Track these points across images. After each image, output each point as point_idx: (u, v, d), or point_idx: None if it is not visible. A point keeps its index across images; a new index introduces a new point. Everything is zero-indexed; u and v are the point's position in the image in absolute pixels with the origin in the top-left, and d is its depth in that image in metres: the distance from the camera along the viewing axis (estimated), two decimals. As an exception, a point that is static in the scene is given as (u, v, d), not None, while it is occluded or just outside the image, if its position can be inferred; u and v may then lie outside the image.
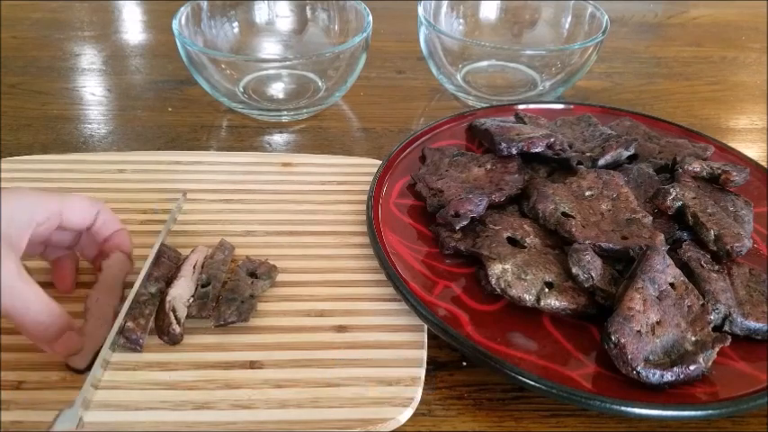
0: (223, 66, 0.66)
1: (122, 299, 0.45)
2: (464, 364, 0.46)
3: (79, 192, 0.54)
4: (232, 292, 0.46)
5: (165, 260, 0.48)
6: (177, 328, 0.44)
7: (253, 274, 0.48)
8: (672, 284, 0.45)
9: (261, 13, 0.78)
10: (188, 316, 0.45)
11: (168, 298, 0.45)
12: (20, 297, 0.38)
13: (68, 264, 0.47)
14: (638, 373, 0.41)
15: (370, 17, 0.69)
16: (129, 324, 0.43)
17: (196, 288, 0.47)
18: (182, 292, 0.46)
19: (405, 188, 0.56)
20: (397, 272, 0.47)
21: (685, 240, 0.51)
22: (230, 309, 0.45)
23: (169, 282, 0.46)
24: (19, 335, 0.43)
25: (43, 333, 0.39)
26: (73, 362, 0.42)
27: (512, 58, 0.76)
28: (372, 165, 0.60)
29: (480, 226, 0.51)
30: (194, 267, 0.48)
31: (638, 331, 0.42)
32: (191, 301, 0.46)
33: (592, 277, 0.45)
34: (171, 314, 0.44)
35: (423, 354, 0.44)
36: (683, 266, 0.48)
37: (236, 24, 0.76)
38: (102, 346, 0.41)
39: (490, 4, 0.82)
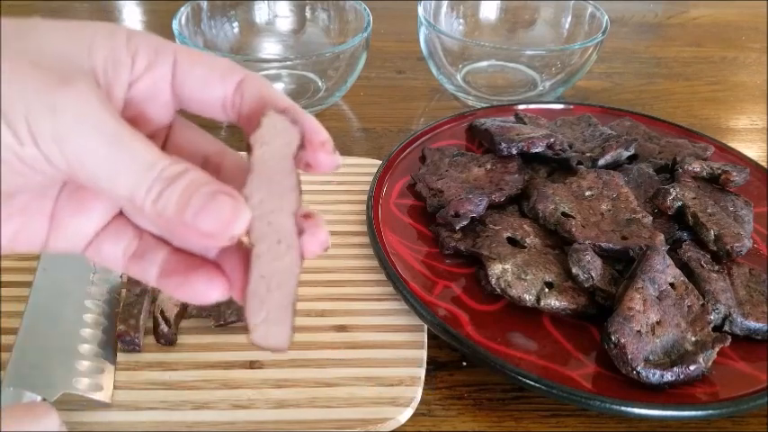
0: (223, 66, 0.66)
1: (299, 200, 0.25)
2: (464, 364, 0.46)
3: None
4: None
5: None
6: (166, 328, 0.44)
7: None
8: (672, 284, 0.45)
9: (261, 13, 0.78)
10: (189, 316, 0.45)
11: (156, 303, 0.45)
12: (107, 136, 0.22)
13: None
14: (638, 373, 0.41)
15: (370, 17, 0.69)
16: (121, 327, 0.43)
17: None
18: (167, 297, 0.46)
19: (405, 188, 0.56)
20: (397, 272, 0.47)
21: (685, 240, 0.51)
22: (230, 309, 0.45)
23: None
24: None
25: (146, 189, 0.22)
26: (265, 338, 0.25)
27: (512, 58, 0.76)
28: (372, 165, 0.60)
29: (480, 226, 0.51)
30: None
31: (638, 331, 0.42)
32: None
33: (592, 277, 0.45)
34: (159, 316, 0.44)
35: (423, 354, 0.44)
36: (683, 266, 0.48)
37: (236, 24, 0.76)
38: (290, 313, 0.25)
39: (490, 4, 0.82)
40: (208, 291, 0.25)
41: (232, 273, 0.26)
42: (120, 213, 0.27)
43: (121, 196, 0.23)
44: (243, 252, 0.25)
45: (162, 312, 0.44)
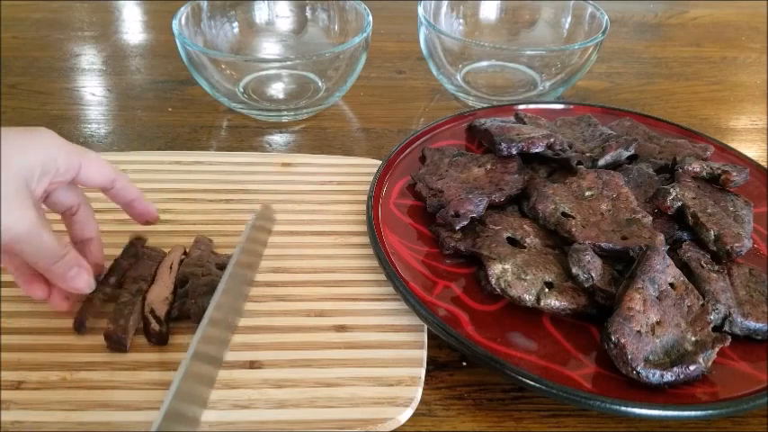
0: (223, 66, 0.66)
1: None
2: (464, 364, 0.46)
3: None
4: (208, 287, 0.46)
5: (146, 260, 0.48)
6: (158, 327, 0.44)
7: (222, 267, 0.48)
8: (672, 284, 0.45)
9: (261, 13, 0.78)
10: (172, 318, 0.45)
11: (146, 302, 0.45)
12: (36, 242, 0.39)
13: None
14: (638, 373, 0.41)
15: (370, 17, 0.69)
16: (110, 327, 0.43)
17: (175, 288, 0.47)
18: (156, 296, 0.46)
19: (405, 188, 0.56)
20: (397, 272, 0.47)
21: (685, 240, 0.51)
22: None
23: (152, 281, 0.47)
24: (19, 335, 0.44)
25: (50, 263, 0.41)
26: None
27: (512, 59, 0.76)
28: (372, 165, 0.60)
29: (480, 226, 0.51)
30: (170, 268, 0.48)
31: (638, 331, 0.42)
32: (169, 298, 0.46)
33: (592, 277, 0.45)
34: (150, 315, 0.44)
35: (423, 354, 0.44)
36: (683, 266, 0.48)
37: (236, 24, 0.76)
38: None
39: (490, 4, 0.82)
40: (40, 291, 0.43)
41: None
42: None
43: (36, 260, 0.41)
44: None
45: (152, 311, 0.44)
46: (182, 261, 0.49)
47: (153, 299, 0.45)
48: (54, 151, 0.40)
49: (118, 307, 0.45)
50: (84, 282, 0.42)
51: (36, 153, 0.39)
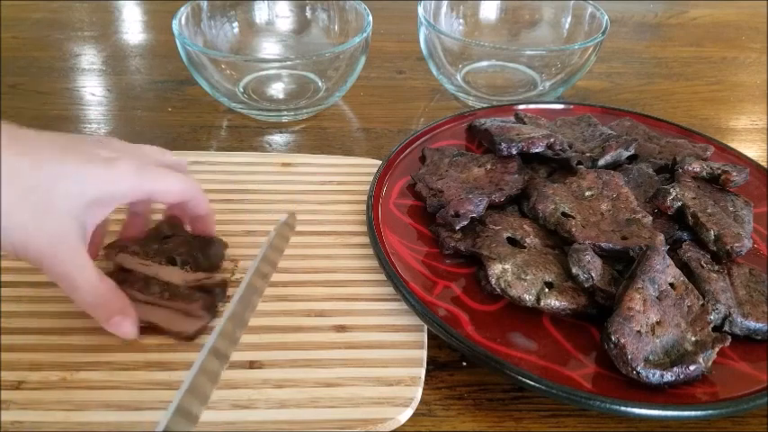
0: (223, 66, 0.66)
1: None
2: (464, 364, 0.46)
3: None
4: None
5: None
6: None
7: (172, 261, 0.48)
8: (672, 284, 0.45)
9: (261, 13, 0.78)
10: None
11: None
12: (72, 282, 0.39)
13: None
14: (638, 373, 0.41)
15: (370, 17, 0.69)
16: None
17: None
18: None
19: (405, 188, 0.56)
20: (397, 272, 0.47)
21: (685, 240, 0.51)
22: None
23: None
24: (19, 335, 0.44)
25: (93, 312, 0.40)
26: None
27: (512, 59, 0.76)
28: (372, 165, 0.60)
29: (480, 226, 0.51)
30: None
31: (638, 331, 0.42)
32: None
33: (592, 277, 0.45)
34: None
35: (423, 354, 0.44)
36: (683, 266, 0.48)
37: (236, 24, 0.76)
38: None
39: (490, 4, 0.82)
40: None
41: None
42: None
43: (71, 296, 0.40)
44: None
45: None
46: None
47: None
48: (125, 188, 0.40)
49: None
50: (126, 331, 0.41)
51: (105, 187, 0.39)
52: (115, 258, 0.46)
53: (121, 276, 0.45)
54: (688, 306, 0.45)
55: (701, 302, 0.45)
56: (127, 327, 0.41)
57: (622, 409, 0.40)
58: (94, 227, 0.40)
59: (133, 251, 0.46)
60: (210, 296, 0.46)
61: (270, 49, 0.78)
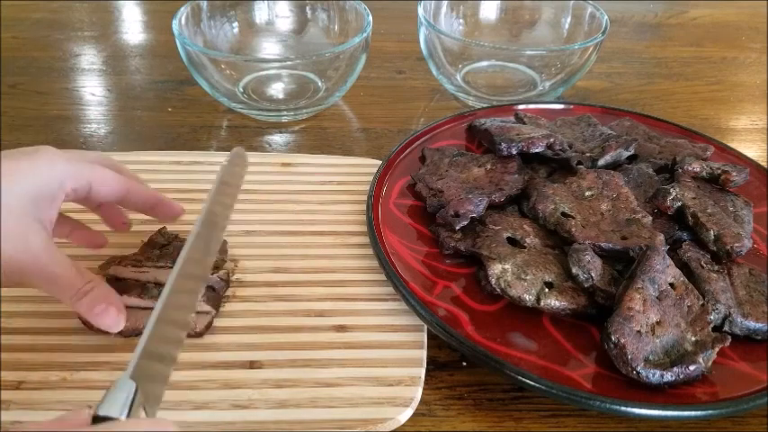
0: (223, 66, 0.66)
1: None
2: (464, 364, 0.46)
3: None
4: None
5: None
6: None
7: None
8: (672, 284, 0.45)
9: (261, 13, 0.78)
10: None
11: None
12: (45, 270, 0.38)
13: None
14: (638, 373, 0.41)
15: (370, 17, 0.69)
16: None
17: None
18: None
19: (405, 188, 0.56)
20: (397, 272, 0.47)
21: (685, 240, 0.51)
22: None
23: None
24: (19, 335, 0.44)
25: (70, 298, 0.39)
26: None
27: (512, 59, 0.76)
28: (372, 165, 0.60)
29: (480, 226, 0.51)
30: None
31: (638, 331, 0.42)
32: None
33: (592, 277, 0.45)
34: None
35: (423, 354, 0.44)
36: (683, 266, 0.48)
37: (236, 24, 0.76)
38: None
39: (490, 4, 0.82)
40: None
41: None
42: None
43: (54, 295, 0.39)
44: None
45: None
46: None
47: None
48: (59, 174, 0.39)
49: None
50: (111, 319, 0.39)
51: (39, 177, 0.38)
52: (108, 271, 0.46)
53: (118, 287, 0.43)
54: (688, 306, 0.45)
55: (700, 302, 0.45)
56: (112, 315, 0.39)
57: (622, 409, 0.40)
58: (52, 224, 0.39)
59: (126, 263, 0.46)
60: (214, 292, 0.46)
61: (270, 49, 0.78)
